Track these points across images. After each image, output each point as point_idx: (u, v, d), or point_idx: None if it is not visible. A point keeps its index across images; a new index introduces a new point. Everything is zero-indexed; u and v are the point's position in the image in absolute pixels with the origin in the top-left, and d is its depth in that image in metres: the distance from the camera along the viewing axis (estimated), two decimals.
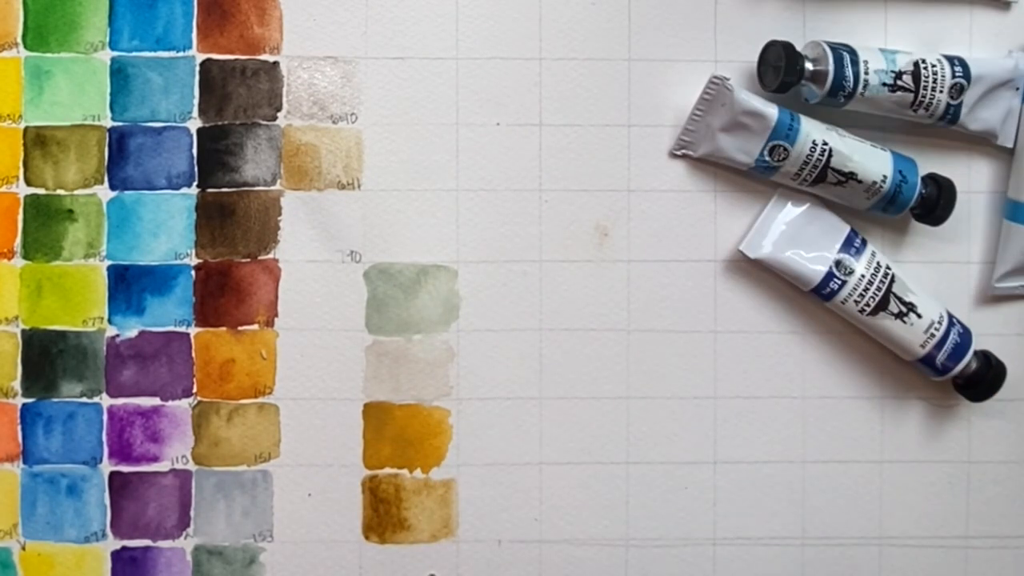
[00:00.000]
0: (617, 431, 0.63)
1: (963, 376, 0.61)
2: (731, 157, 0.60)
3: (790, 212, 0.62)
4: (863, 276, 0.60)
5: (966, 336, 0.61)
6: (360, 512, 0.62)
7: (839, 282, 0.60)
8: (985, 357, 0.61)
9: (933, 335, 0.60)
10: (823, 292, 0.60)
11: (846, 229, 0.61)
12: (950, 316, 0.61)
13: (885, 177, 0.59)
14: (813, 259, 0.60)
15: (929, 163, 0.62)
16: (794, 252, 0.61)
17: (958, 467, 0.63)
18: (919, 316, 0.60)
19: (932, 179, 0.61)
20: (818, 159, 0.59)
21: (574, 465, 0.63)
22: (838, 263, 0.60)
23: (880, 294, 0.60)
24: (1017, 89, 0.62)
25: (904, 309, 0.60)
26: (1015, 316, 0.64)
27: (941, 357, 0.60)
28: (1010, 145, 0.63)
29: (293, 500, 0.62)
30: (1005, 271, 0.63)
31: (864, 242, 0.61)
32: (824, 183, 0.60)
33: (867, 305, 0.60)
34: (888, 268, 0.61)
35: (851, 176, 0.59)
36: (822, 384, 0.63)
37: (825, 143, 0.59)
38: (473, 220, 0.62)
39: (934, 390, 0.63)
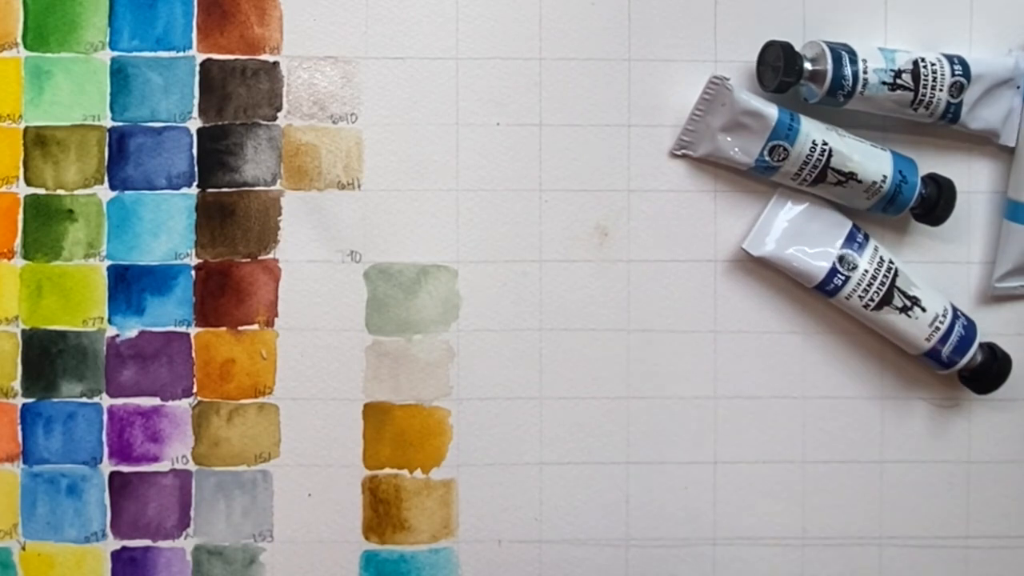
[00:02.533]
0: (617, 431, 0.63)
1: (968, 369, 0.61)
2: (731, 157, 0.60)
3: (792, 210, 0.62)
4: (866, 271, 0.60)
5: (971, 329, 0.61)
6: (360, 512, 0.62)
7: (843, 278, 0.60)
8: (990, 349, 0.61)
9: (938, 328, 0.60)
10: (827, 288, 0.60)
11: (848, 225, 0.61)
12: (954, 309, 0.61)
13: (885, 177, 0.59)
14: (816, 255, 0.60)
15: (929, 162, 0.62)
16: (797, 249, 0.61)
17: (958, 467, 0.63)
18: (923, 310, 0.60)
19: (932, 179, 0.61)
20: (818, 159, 0.59)
21: (574, 465, 0.63)
22: (841, 259, 0.60)
23: (884, 289, 0.60)
24: (1018, 88, 0.62)
25: (908, 303, 0.60)
26: (1015, 316, 0.64)
27: (946, 350, 0.60)
28: (1011, 144, 0.63)
29: (293, 500, 0.62)
30: (1005, 271, 0.62)
31: (867, 237, 0.61)
32: (824, 183, 0.60)
33: (871, 300, 0.60)
34: (891, 262, 0.61)
35: (851, 176, 0.59)
36: (822, 384, 0.63)
37: (825, 143, 0.59)
38: (473, 220, 0.62)
39: (934, 390, 0.63)
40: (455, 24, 0.62)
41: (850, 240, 0.61)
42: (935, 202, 0.61)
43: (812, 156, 0.59)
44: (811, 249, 0.61)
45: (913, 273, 0.61)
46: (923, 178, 0.61)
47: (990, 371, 0.61)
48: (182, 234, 0.62)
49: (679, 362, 0.63)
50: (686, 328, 0.63)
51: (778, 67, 0.59)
